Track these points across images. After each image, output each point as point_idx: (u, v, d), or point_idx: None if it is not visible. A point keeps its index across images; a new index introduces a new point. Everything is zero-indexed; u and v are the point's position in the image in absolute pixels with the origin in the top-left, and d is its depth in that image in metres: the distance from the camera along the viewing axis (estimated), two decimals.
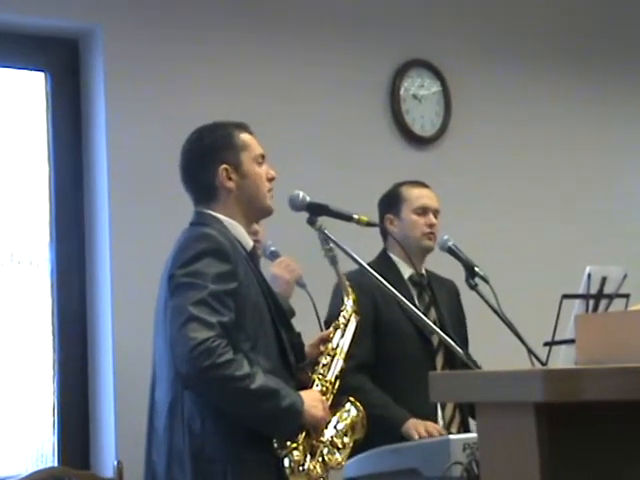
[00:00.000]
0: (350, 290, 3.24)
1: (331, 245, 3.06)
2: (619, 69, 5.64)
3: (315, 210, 3.08)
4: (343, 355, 3.11)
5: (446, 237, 3.65)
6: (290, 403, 2.83)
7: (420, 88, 4.95)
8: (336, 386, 3.05)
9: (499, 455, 1.78)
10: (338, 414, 3.04)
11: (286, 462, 2.85)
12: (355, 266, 3.15)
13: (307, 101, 4.61)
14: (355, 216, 3.11)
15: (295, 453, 2.86)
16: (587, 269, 3.44)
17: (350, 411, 3.07)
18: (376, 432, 3.16)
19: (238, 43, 4.44)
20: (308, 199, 3.08)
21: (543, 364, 3.32)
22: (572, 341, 2.96)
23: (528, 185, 5.23)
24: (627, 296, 3.53)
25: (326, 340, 3.15)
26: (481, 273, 3.49)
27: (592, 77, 5.54)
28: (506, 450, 1.77)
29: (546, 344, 3.43)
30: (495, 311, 3.37)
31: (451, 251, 3.60)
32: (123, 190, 4.08)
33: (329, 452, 2.95)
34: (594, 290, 3.46)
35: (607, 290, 3.49)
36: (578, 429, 1.77)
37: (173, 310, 2.80)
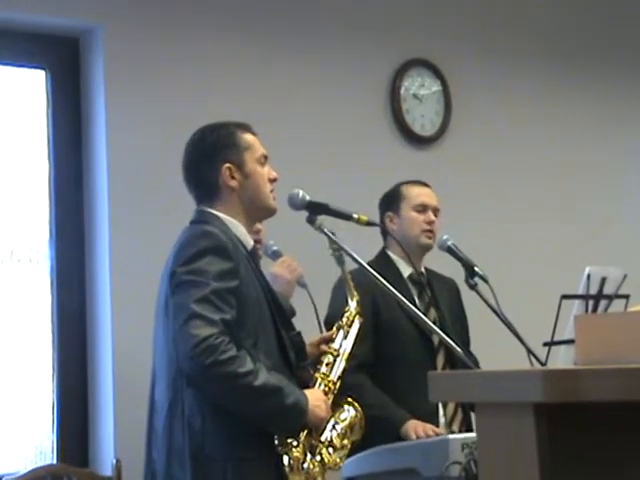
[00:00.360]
0: (355, 291, 3.23)
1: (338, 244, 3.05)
2: (619, 69, 5.64)
3: (315, 209, 3.07)
4: (346, 356, 3.11)
5: (445, 237, 3.64)
6: (294, 401, 2.83)
7: (420, 88, 4.95)
8: (337, 386, 3.05)
9: (498, 455, 1.78)
10: (337, 414, 3.04)
11: (285, 460, 2.85)
12: (355, 265, 3.15)
13: (307, 101, 4.61)
14: (355, 215, 3.11)
15: (295, 451, 2.86)
16: (587, 269, 3.44)
17: (349, 412, 3.07)
18: (375, 432, 3.16)
19: (238, 43, 4.44)
20: (308, 198, 3.07)
21: (542, 364, 3.32)
22: (571, 341, 2.96)
23: (528, 185, 5.23)
24: (627, 297, 3.52)
25: (328, 340, 3.15)
26: (480, 273, 3.48)
27: (592, 77, 5.54)
28: (505, 450, 1.77)
29: (545, 344, 3.43)
30: (494, 311, 3.37)
31: (450, 251, 3.60)
32: (123, 188, 4.08)
33: (328, 452, 2.95)
34: (594, 290, 3.46)
35: (607, 291, 3.49)
36: (577, 429, 1.77)
37: (175, 308, 2.79)
